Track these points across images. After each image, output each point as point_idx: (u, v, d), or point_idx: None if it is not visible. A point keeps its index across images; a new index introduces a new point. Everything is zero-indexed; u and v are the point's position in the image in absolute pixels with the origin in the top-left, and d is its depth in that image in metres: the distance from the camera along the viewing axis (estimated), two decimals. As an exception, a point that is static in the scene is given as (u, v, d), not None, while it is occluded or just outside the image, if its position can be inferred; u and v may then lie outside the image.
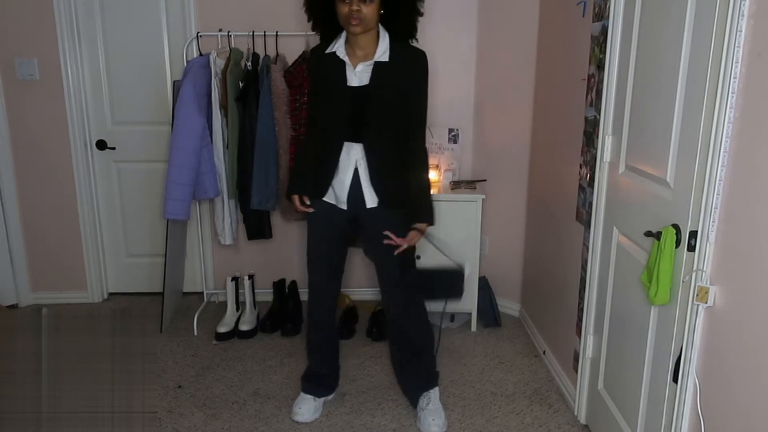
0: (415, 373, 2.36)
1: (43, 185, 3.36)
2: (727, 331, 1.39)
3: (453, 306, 3.11)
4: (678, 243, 1.55)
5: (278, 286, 3.30)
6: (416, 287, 2.26)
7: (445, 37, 3.20)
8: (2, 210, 3.34)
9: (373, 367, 2.77)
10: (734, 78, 1.34)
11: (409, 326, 2.29)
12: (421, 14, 2.08)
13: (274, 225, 3.28)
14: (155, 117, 3.33)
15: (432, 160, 3.26)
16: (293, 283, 3.34)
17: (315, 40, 3.05)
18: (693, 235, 1.49)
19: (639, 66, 1.85)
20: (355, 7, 1.93)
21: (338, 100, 2.08)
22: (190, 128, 2.78)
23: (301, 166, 2.27)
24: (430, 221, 2.15)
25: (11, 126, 3.27)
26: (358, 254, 3.39)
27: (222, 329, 3.04)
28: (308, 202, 2.21)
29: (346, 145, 2.11)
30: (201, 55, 3.00)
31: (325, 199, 2.19)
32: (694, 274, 1.48)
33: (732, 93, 1.35)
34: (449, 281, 2.30)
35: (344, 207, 2.17)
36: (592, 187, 2.19)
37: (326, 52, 2.10)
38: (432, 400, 2.32)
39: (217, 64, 2.87)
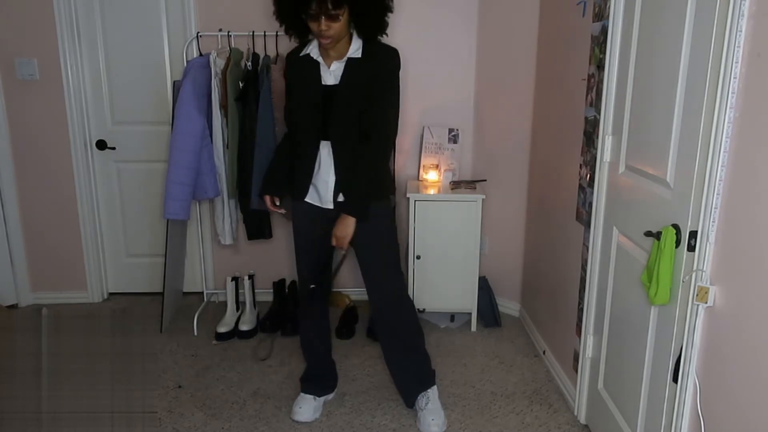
0: (410, 372, 2.34)
1: (43, 185, 3.36)
2: (727, 331, 1.39)
3: (452, 306, 3.11)
4: (678, 243, 1.55)
5: (278, 286, 3.30)
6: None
7: (445, 36, 3.20)
8: (2, 210, 3.34)
9: (373, 367, 2.77)
10: (734, 78, 1.34)
11: (399, 321, 2.28)
12: (391, 11, 2.07)
13: (274, 225, 3.29)
14: (155, 117, 3.34)
15: (432, 160, 3.26)
16: (293, 283, 3.34)
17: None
18: (693, 235, 1.49)
19: (639, 66, 1.85)
20: (323, 27, 1.95)
21: (311, 99, 2.09)
22: (190, 128, 2.78)
23: (274, 166, 2.28)
24: (360, 217, 2.09)
25: (11, 126, 3.27)
26: (358, 254, 3.39)
27: (222, 329, 3.04)
28: (278, 203, 2.27)
29: (324, 144, 2.12)
30: (201, 55, 3.00)
31: (307, 199, 2.19)
32: (694, 274, 1.48)
33: (732, 93, 1.35)
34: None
35: (330, 206, 2.16)
36: (592, 187, 2.19)
37: (300, 54, 2.13)
38: (431, 400, 2.32)
39: (217, 64, 2.87)
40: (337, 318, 3.20)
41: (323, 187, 2.16)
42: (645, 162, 1.79)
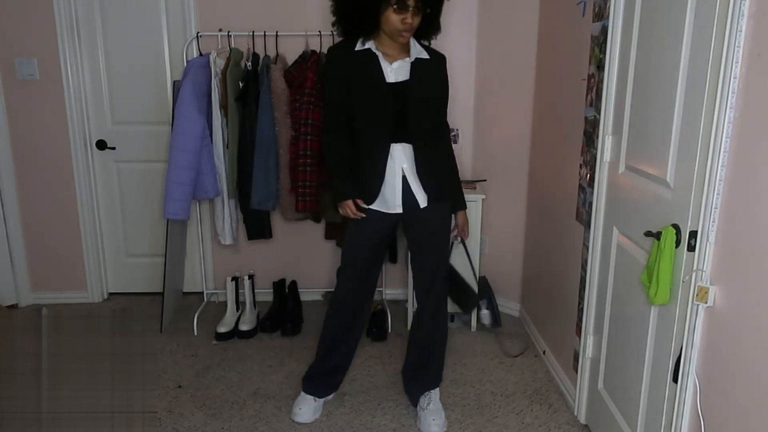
0: (426, 373, 2.36)
1: (43, 185, 3.36)
2: (727, 331, 1.39)
3: (453, 306, 3.10)
4: (678, 243, 1.55)
5: (278, 286, 3.30)
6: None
7: (445, 36, 3.19)
8: (2, 210, 3.34)
9: (373, 367, 2.77)
10: (734, 78, 1.34)
11: (436, 326, 2.30)
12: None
13: (274, 225, 3.28)
14: (155, 117, 3.34)
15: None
16: (293, 283, 3.34)
17: (315, 40, 3.08)
18: (693, 235, 1.49)
19: (639, 66, 1.85)
20: (409, 20, 1.94)
21: (380, 98, 2.04)
22: (190, 128, 2.78)
23: (341, 170, 2.14)
24: (465, 206, 2.34)
25: (11, 126, 3.27)
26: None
27: (222, 329, 3.04)
28: (364, 206, 2.13)
29: (395, 146, 2.08)
30: (201, 55, 3.00)
31: (374, 206, 2.13)
32: (694, 274, 1.48)
33: (732, 93, 1.35)
34: (465, 295, 2.54)
35: (399, 210, 2.14)
36: (592, 187, 2.19)
37: (357, 49, 2.05)
38: (432, 400, 2.32)
39: (217, 64, 2.87)
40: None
41: (390, 191, 2.11)
42: (645, 162, 1.79)
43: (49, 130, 3.28)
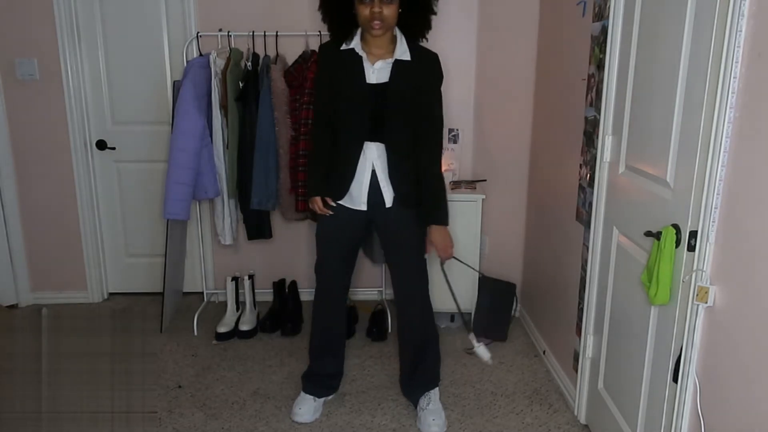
0: (421, 373, 2.36)
1: (43, 185, 3.36)
2: (727, 331, 1.39)
3: (452, 306, 3.10)
4: (678, 243, 1.55)
5: (278, 286, 3.30)
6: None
7: (446, 37, 3.19)
8: (2, 210, 3.34)
9: (373, 367, 2.77)
10: (734, 78, 1.34)
11: (420, 323, 2.31)
12: (435, 13, 2.09)
13: (274, 225, 3.28)
14: (155, 117, 3.33)
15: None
16: (293, 283, 3.34)
17: (315, 39, 3.08)
18: (693, 235, 1.49)
19: (639, 66, 1.85)
20: (376, 9, 1.92)
21: (358, 98, 2.05)
22: (190, 128, 2.78)
23: (317, 167, 2.20)
24: (445, 222, 2.18)
25: (11, 126, 3.27)
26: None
27: (222, 329, 3.04)
28: (333, 204, 2.17)
29: (368, 145, 2.09)
30: (201, 55, 3.00)
31: (341, 201, 2.17)
32: (694, 274, 1.48)
33: (732, 93, 1.35)
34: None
35: (363, 208, 2.16)
36: (592, 187, 2.19)
37: (342, 48, 2.07)
38: (432, 400, 2.32)
39: (217, 64, 2.87)
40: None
41: (357, 188, 2.13)
42: (645, 162, 1.79)
43: (49, 130, 3.28)
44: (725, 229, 1.40)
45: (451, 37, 3.18)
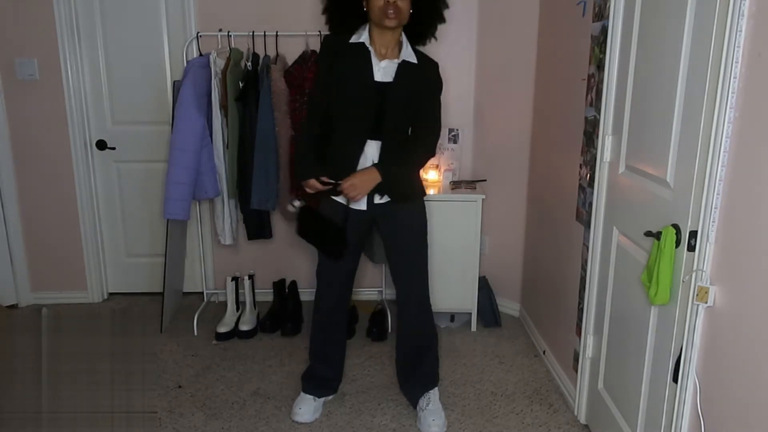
0: (421, 373, 2.36)
1: (43, 185, 3.36)
2: (727, 331, 1.39)
3: (452, 306, 3.11)
4: (678, 243, 1.55)
5: (278, 286, 3.30)
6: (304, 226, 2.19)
7: (445, 37, 3.19)
8: (2, 210, 3.34)
9: (373, 367, 2.77)
10: (734, 78, 1.34)
11: (420, 323, 2.31)
12: (444, 21, 2.11)
13: (274, 225, 3.28)
14: (155, 117, 3.34)
15: (432, 160, 3.26)
16: (293, 283, 3.34)
17: (315, 39, 3.08)
18: (693, 235, 1.49)
19: (639, 66, 1.85)
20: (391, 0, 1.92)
21: (363, 94, 2.04)
22: (190, 128, 2.78)
23: (307, 154, 2.13)
24: (386, 176, 2.07)
25: (11, 126, 3.27)
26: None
27: (222, 329, 3.04)
28: (330, 181, 2.08)
29: (370, 143, 2.08)
30: (201, 55, 3.00)
31: (339, 198, 2.14)
32: (694, 274, 1.48)
33: (732, 93, 1.35)
34: (333, 238, 2.18)
35: (363, 207, 2.15)
36: (592, 187, 2.19)
37: (351, 41, 2.06)
38: (432, 401, 2.32)
39: (217, 64, 2.87)
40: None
41: None
42: (645, 162, 1.79)
43: (49, 130, 3.28)
44: (725, 229, 1.40)
45: (451, 36, 3.18)
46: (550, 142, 2.80)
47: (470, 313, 3.15)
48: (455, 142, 3.26)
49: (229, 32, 3.06)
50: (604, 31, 2.10)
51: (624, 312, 1.96)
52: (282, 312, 3.20)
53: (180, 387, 2.60)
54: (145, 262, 3.57)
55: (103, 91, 3.33)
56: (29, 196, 3.38)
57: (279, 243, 3.45)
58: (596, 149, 2.17)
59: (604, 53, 2.09)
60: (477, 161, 3.34)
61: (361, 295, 3.50)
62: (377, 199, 2.15)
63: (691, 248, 1.50)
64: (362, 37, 2.06)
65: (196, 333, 3.10)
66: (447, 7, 2.13)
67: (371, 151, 2.11)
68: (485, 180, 3.26)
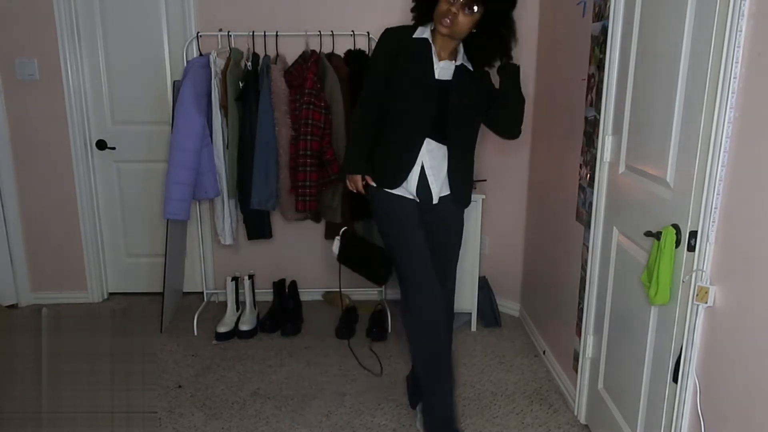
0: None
1: (43, 185, 3.36)
2: (727, 331, 1.39)
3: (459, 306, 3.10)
4: (678, 243, 1.55)
5: (278, 286, 3.30)
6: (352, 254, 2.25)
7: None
8: (2, 210, 3.34)
9: (373, 367, 2.77)
10: (734, 78, 1.34)
11: (448, 315, 2.28)
12: (511, 58, 2.12)
13: (274, 225, 3.28)
14: (155, 117, 3.33)
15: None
16: (293, 283, 3.34)
17: (315, 40, 3.08)
18: (693, 235, 1.49)
19: (639, 66, 1.85)
20: (453, 10, 1.91)
21: (425, 89, 2.04)
22: (190, 128, 2.78)
23: (360, 146, 2.14)
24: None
25: (11, 126, 3.27)
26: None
27: (222, 329, 3.04)
28: (372, 184, 2.12)
29: (428, 141, 2.07)
30: (201, 55, 3.00)
31: (398, 192, 2.11)
32: (694, 274, 1.48)
33: (732, 93, 1.35)
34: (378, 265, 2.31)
35: (417, 199, 2.14)
36: (592, 187, 2.19)
37: (414, 36, 2.05)
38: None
39: (217, 64, 2.87)
40: (337, 318, 3.20)
41: (408, 181, 2.09)
42: (645, 162, 1.79)
43: (49, 130, 3.28)
44: (725, 229, 1.40)
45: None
46: (550, 142, 2.80)
47: (470, 313, 3.14)
48: (455, 142, 3.25)
49: (229, 32, 3.06)
50: (604, 31, 2.10)
51: (624, 312, 1.96)
52: (282, 312, 3.20)
53: (180, 387, 2.60)
54: (145, 262, 3.57)
55: (103, 91, 3.33)
56: (29, 196, 3.38)
57: (279, 243, 3.45)
58: (596, 149, 2.17)
59: (604, 53, 2.09)
60: (477, 161, 3.32)
61: (361, 295, 3.49)
62: (435, 200, 2.14)
63: (691, 248, 1.50)
64: (425, 33, 2.06)
65: (196, 333, 3.10)
66: (515, 42, 2.10)
67: (428, 149, 2.08)
68: (485, 180, 3.26)
